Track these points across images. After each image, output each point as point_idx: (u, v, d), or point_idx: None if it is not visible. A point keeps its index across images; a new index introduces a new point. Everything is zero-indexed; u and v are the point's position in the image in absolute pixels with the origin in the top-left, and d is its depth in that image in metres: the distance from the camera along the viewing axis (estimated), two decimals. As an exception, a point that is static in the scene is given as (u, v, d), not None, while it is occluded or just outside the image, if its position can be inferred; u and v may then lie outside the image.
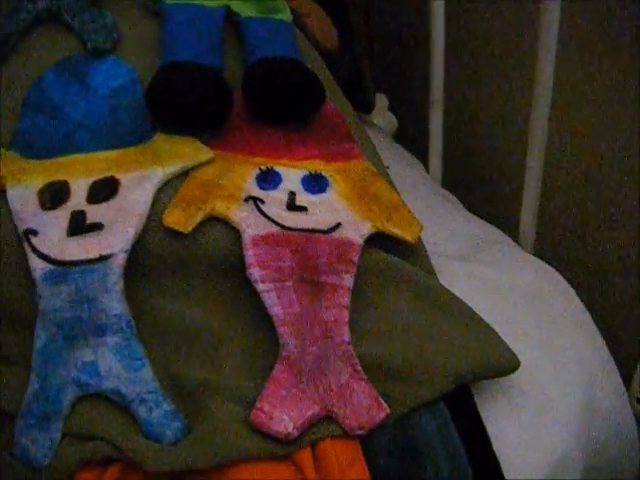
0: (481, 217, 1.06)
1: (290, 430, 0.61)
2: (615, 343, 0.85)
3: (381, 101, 1.46)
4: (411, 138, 1.38)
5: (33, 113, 0.78)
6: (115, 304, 0.65)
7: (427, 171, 1.25)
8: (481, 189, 1.31)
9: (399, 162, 1.19)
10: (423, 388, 0.66)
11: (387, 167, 0.89)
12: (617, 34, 0.98)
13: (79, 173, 0.73)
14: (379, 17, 1.41)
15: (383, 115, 1.45)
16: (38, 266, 0.66)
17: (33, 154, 0.75)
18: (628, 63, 0.97)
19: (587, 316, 0.85)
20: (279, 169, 0.76)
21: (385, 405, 0.64)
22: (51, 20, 0.85)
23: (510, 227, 1.02)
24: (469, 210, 1.11)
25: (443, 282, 0.76)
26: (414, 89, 1.40)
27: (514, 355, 0.69)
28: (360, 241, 0.71)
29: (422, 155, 1.27)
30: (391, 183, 0.83)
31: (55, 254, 0.66)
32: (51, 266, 0.66)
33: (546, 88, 0.93)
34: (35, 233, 0.68)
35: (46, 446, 0.62)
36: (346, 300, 0.68)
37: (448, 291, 0.74)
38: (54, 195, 0.71)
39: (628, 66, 0.97)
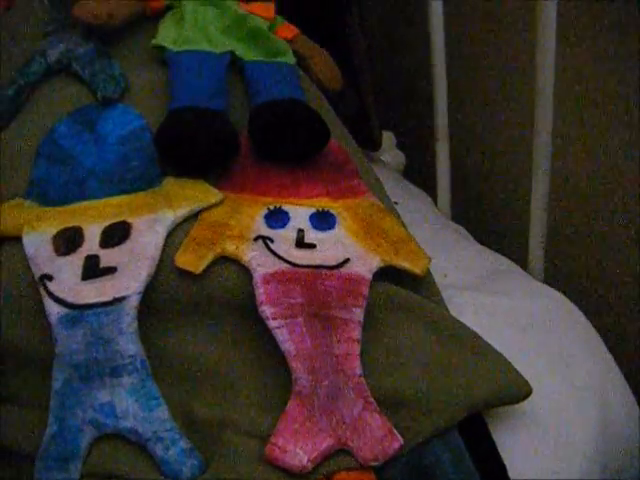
0: (491, 248, 1.06)
1: (305, 463, 0.61)
2: (628, 368, 0.84)
3: (388, 139, 1.47)
4: (419, 174, 1.39)
5: (47, 162, 0.80)
6: (130, 345, 0.66)
7: (436, 205, 1.26)
8: (490, 221, 1.32)
9: (408, 197, 1.20)
10: (436, 418, 0.66)
11: (396, 203, 0.90)
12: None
13: (92, 219, 0.74)
14: (380, 55, 1.43)
15: (391, 152, 1.47)
16: (54, 310, 0.67)
17: (48, 202, 0.77)
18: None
19: (599, 341, 0.85)
20: (287, 208, 0.78)
21: (399, 436, 0.64)
22: (62, 72, 0.88)
23: (520, 257, 1.02)
24: (478, 242, 1.12)
25: (453, 313, 0.76)
26: (420, 126, 1.41)
27: (526, 382, 0.69)
28: (369, 275, 0.72)
29: (431, 190, 1.28)
30: (398, 218, 0.84)
31: (70, 298, 0.68)
32: (66, 310, 0.67)
33: (547, 117, 0.94)
34: (50, 278, 0.69)
35: (65, 487, 0.63)
36: (357, 334, 0.68)
37: (458, 321, 0.74)
38: (68, 241, 0.72)
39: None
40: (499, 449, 0.68)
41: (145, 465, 0.64)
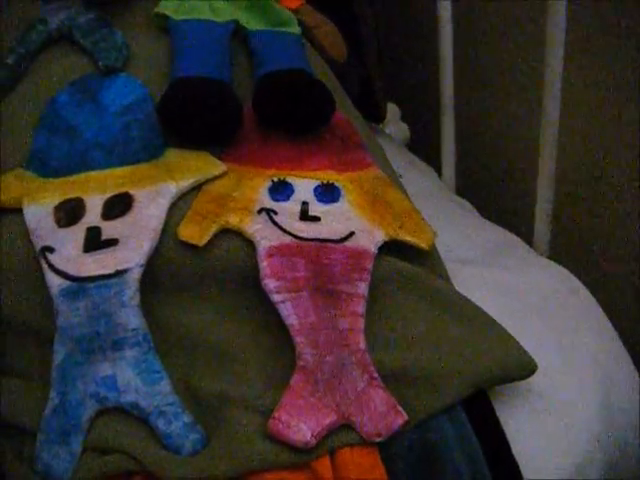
0: (495, 223, 1.06)
1: (308, 438, 0.61)
2: (633, 343, 0.84)
3: (393, 111, 1.46)
4: (424, 147, 1.38)
5: (48, 133, 0.79)
6: (132, 318, 0.65)
7: (440, 179, 1.25)
8: (495, 195, 1.31)
9: (412, 171, 1.19)
10: (441, 394, 0.66)
11: (400, 176, 0.89)
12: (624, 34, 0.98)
13: (93, 190, 0.73)
14: (388, 27, 1.41)
15: (395, 125, 1.46)
16: (55, 283, 0.67)
17: (48, 173, 0.76)
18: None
19: (604, 317, 0.84)
20: (291, 180, 0.77)
21: (403, 412, 0.64)
22: (62, 40, 0.86)
23: (525, 232, 1.02)
24: (483, 216, 1.11)
25: (458, 288, 0.76)
26: (425, 98, 1.40)
27: (531, 359, 0.69)
28: (373, 249, 0.71)
29: (435, 163, 1.27)
30: (403, 191, 0.83)
31: (72, 270, 0.67)
32: (68, 282, 0.66)
33: (555, 90, 0.93)
34: (52, 250, 0.69)
35: (67, 461, 0.63)
36: (361, 308, 0.68)
37: (463, 297, 0.74)
38: (69, 212, 0.71)
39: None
40: (503, 426, 0.67)
41: (147, 439, 0.63)
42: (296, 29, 0.92)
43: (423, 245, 0.74)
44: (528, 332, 0.73)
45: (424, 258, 0.76)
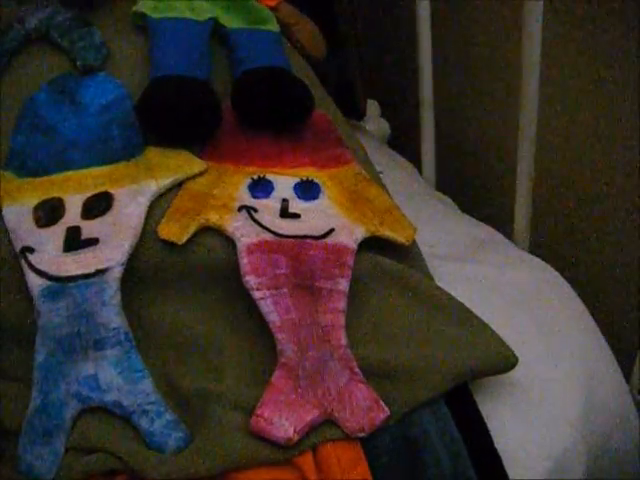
0: (476, 218, 1.06)
1: (290, 435, 0.61)
2: (614, 337, 0.85)
3: (373, 107, 1.46)
4: (404, 143, 1.38)
5: (26, 132, 0.79)
6: (113, 317, 0.65)
7: (421, 175, 1.25)
8: (475, 190, 1.32)
9: (392, 167, 1.19)
10: (422, 388, 0.66)
11: (381, 172, 0.89)
12: (608, 24, 0.98)
13: (73, 190, 0.73)
14: (366, 24, 1.42)
15: (375, 121, 1.46)
16: (36, 283, 0.66)
17: (27, 172, 0.76)
18: (617, 54, 0.97)
19: (585, 311, 0.85)
20: (271, 177, 0.77)
21: (385, 406, 0.64)
22: (40, 40, 0.86)
23: (505, 226, 1.02)
24: (463, 211, 1.11)
25: (439, 283, 0.76)
26: (405, 94, 1.40)
27: (512, 352, 0.69)
28: (354, 245, 0.71)
29: (415, 159, 1.28)
30: (383, 187, 0.84)
31: (52, 270, 0.67)
32: (48, 282, 0.66)
33: (533, 86, 0.93)
34: (32, 250, 0.68)
35: (50, 461, 0.63)
36: (342, 304, 0.68)
37: (444, 292, 0.74)
38: (49, 212, 0.71)
39: (617, 58, 0.98)
40: (485, 419, 0.68)
41: (130, 438, 0.63)
42: (275, 27, 0.92)
43: (403, 241, 0.75)
44: (509, 326, 0.73)
45: (404, 254, 0.77)
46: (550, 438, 0.70)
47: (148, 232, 0.70)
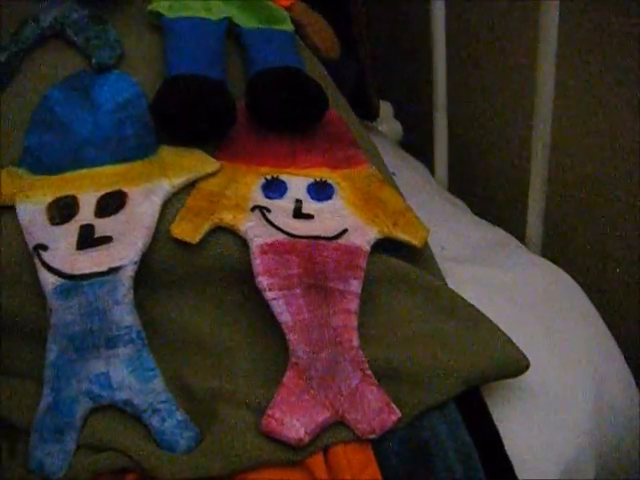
0: (488, 220, 1.06)
1: (302, 436, 0.61)
2: (625, 341, 0.84)
3: (386, 108, 1.46)
4: (417, 144, 1.38)
5: (41, 130, 0.79)
6: (125, 316, 0.65)
7: (433, 176, 1.25)
8: (487, 192, 1.32)
9: (405, 168, 1.19)
10: (434, 391, 0.66)
11: (393, 174, 0.89)
12: (619, 34, 0.98)
13: (87, 187, 0.73)
14: (380, 25, 1.41)
15: (388, 122, 1.46)
16: (49, 280, 0.67)
17: (41, 170, 0.76)
18: (630, 62, 0.97)
19: (596, 315, 0.85)
20: (285, 178, 0.77)
21: (396, 409, 0.64)
22: (55, 37, 0.86)
23: (517, 229, 1.02)
24: (476, 214, 1.11)
25: (451, 285, 0.76)
26: (418, 96, 1.40)
27: (524, 356, 0.69)
28: (367, 247, 0.71)
29: (428, 161, 1.27)
30: (397, 188, 0.83)
31: (65, 268, 0.67)
32: (62, 280, 0.66)
33: (548, 89, 0.93)
34: (45, 248, 0.69)
35: (60, 458, 0.63)
36: (354, 305, 0.68)
37: (456, 294, 0.74)
38: (63, 210, 0.71)
39: (630, 65, 0.97)
40: (496, 422, 0.68)
41: (141, 437, 0.63)
42: (289, 27, 0.92)
43: (416, 243, 0.74)
44: (521, 329, 0.73)
45: (417, 256, 0.77)
46: (561, 442, 0.70)
47: (161, 231, 0.70)
